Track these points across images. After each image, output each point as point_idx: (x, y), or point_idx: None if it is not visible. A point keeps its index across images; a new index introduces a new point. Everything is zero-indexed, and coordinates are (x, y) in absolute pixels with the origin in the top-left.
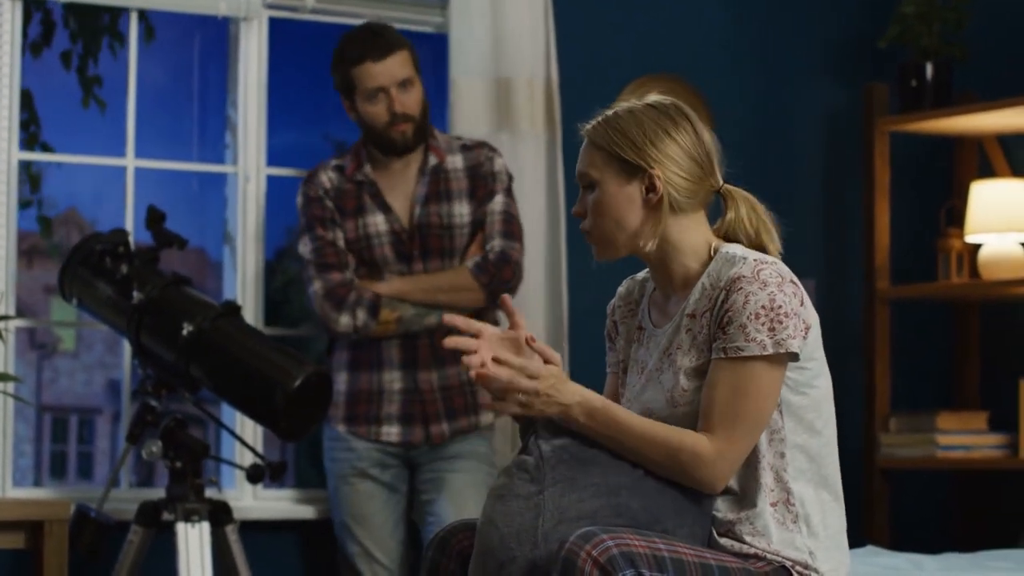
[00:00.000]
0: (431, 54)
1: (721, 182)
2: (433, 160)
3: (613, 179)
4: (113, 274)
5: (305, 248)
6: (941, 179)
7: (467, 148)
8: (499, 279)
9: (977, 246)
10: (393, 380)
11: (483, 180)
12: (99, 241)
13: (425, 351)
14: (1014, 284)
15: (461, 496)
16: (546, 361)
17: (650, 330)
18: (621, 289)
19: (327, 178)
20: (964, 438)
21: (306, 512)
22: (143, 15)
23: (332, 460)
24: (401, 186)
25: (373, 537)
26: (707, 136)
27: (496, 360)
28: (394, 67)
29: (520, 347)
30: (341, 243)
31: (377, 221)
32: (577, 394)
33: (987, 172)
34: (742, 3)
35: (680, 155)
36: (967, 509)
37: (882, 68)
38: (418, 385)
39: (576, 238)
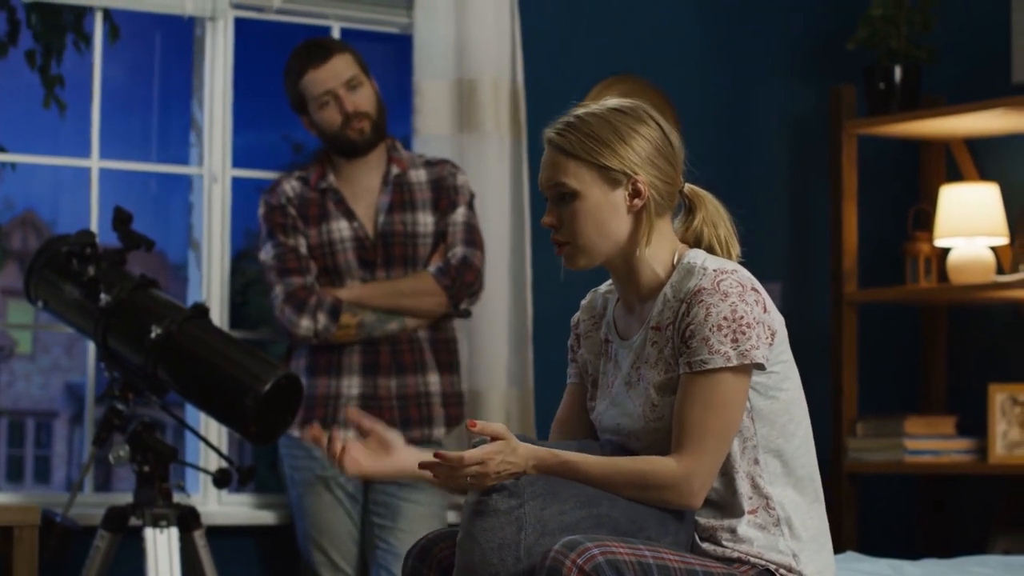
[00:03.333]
0: (396, 55)
1: (682, 182)
2: (395, 170)
3: (596, 188)
4: (80, 276)
5: (267, 254)
6: (908, 182)
7: (431, 164)
8: (461, 283)
9: (945, 250)
10: (352, 386)
11: (446, 192)
12: (65, 243)
13: (386, 357)
14: (982, 288)
15: (415, 525)
16: (492, 437)
17: (617, 343)
18: (584, 302)
19: (289, 187)
20: (932, 443)
21: (266, 517)
22: (108, 15)
23: (293, 468)
24: (365, 195)
25: (337, 547)
26: (674, 136)
27: (437, 455)
28: (337, 67)
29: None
30: (303, 249)
31: (341, 227)
32: (532, 457)
33: (954, 176)
34: (709, 4)
35: (656, 157)
36: (935, 514)
37: (849, 70)
38: (377, 391)
39: (541, 242)
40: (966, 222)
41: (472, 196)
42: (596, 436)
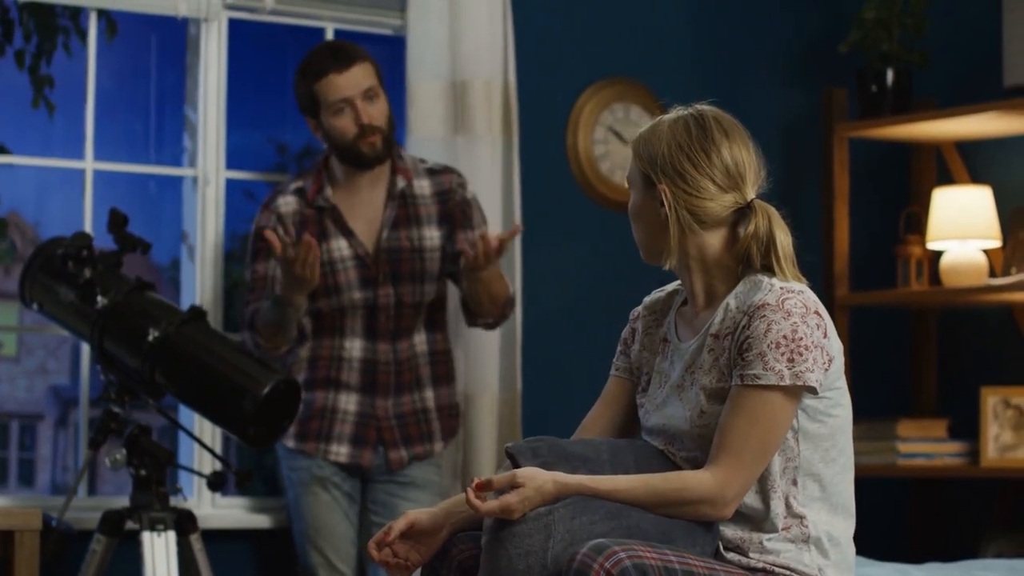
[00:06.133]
0: (389, 57)
1: (751, 196)
2: (401, 182)
3: (638, 188)
4: (75, 279)
5: (248, 275)
6: (900, 186)
7: (434, 172)
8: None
9: (937, 253)
10: (350, 402)
11: (458, 208)
12: (61, 245)
13: (384, 377)
14: (974, 291)
15: None
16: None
17: (675, 343)
18: (647, 299)
19: (284, 203)
20: (924, 446)
21: (261, 521)
22: (101, 15)
23: (291, 469)
24: (363, 209)
25: (335, 548)
26: (730, 152)
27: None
28: (358, 77)
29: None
30: (271, 272)
31: (341, 246)
32: (559, 484)
33: (945, 179)
34: (701, 6)
35: (691, 171)
36: (927, 517)
37: (841, 73)
38: (375, 411)
39: (531, 246)
40: (959, 225)
41: (479, 206)
42: (628, 433)
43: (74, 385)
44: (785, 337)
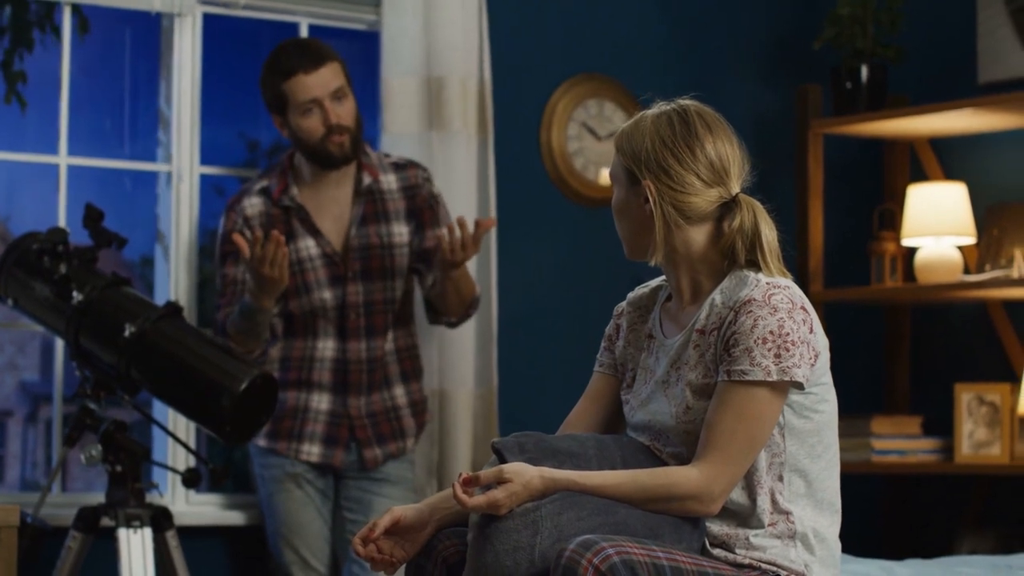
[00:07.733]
0: (363, 52)
1: (736, 191)
2: (367, 180)
3: (622, 184)
4: (51, 274)
5: (218, 280)
6: (874, 182)
7: (399, 167)
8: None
9: (911, 250)
10: (321, 401)
11: (425, 204)
12: (36, 240)
13: (356, 376)
14: (949, 288)
15: None
16: (499, 481)
17: (660, 339)
18: (631, 294)
19: (250, 205)
20: (899, 443)
21: (234, 518)
22: (75, 11)
23: (263, 467)
24: (330, 207)
25: (308, 545)
26: (714, 147)
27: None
28: (327, 77)
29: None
30: (242, 276)
31: (308, 245)
32: (547, 479)
33: (918, 175)
34: (674, 4)
35: (676, 167)
36: (901, 514)
37: (816, 70)
38: (347, 410)
39: (506, 242)
40: (933, 221)
41: (444, 203)
42: (613, 429)
43: (44, 381)
44: (772, 333)
